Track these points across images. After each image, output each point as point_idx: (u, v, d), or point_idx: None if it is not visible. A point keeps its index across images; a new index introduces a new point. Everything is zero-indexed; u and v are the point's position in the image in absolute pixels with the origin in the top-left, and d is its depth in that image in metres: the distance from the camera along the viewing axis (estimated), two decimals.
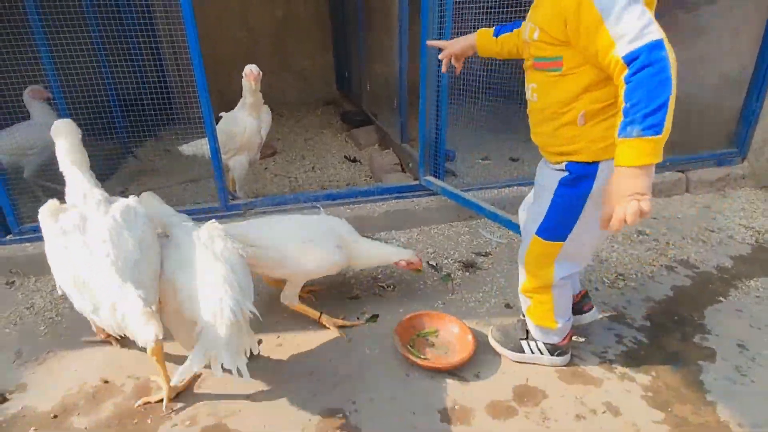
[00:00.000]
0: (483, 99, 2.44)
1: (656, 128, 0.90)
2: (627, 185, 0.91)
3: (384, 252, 1.61)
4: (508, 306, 1.68)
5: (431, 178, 2.24)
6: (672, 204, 2.50)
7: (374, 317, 1.62)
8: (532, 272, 1.29)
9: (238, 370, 1.13)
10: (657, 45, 0.88)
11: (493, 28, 1.35)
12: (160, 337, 1.05)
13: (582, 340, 1.51)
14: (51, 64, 2.47)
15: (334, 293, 1.76)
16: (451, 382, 1.35)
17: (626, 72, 0.90)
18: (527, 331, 1.40)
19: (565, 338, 1.36)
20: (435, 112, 2.19)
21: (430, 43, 1.59)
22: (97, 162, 2.76)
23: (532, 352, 1.39)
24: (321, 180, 2.99)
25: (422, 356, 1.41)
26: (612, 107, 1.04)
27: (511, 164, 3.14)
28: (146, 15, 2.86)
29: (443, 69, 1.48)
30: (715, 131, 2.78)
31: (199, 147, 2.33)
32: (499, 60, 1.77)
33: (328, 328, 1.55)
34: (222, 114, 2.34)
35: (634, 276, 1.85)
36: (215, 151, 2.02)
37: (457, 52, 1.42)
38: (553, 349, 1.37)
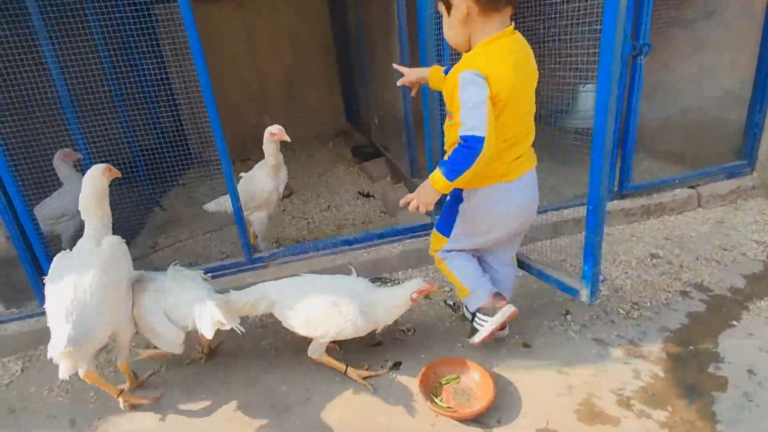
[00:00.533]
0: None
1: (451, 176, 1.34)
2: (425, 191, 1.41)
3: (399, 295, 1.60)
4: (526, 345, 1.74)
5: None
6: (685, 222, 2.53)
7: (397, 365, 1.70)
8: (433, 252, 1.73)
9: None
10: (479, 139, 1.28)
11: (444, 67, 1.62)
12: (68, 376, 1.40)
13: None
14: (77, 124, 2.64)
15: (357, 340, 1.85)
16: (475, 430, 1.41)
17: (459, 143, 1.32)
18: (472, 314, 1.67)
19: (488, 298, 1.59)
20: (441, 149, 2.28)
21: (395, 66, 1.79)
22: (126, 216, 2.98)
23: (481, 325, 1.61)
24: (337, 219, 3.11)
25: (446, 405, 1.48)
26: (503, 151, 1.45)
27: None
28: (161, 66, 3.06)
29: (411, 93, 1.77)
30: (722, 145, 2.80)
31: (222, 204, 2.46)
32: None
33: (355, 380, 1.64)
34: (242, 174, 2.47)
35: (649, 304, 1.89)
36: (238, 210, 2.15)
37: (413, 80, 1.72)
38: (489, 311, 1.58)
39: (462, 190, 1.51)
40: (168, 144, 2.69)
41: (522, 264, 1.85)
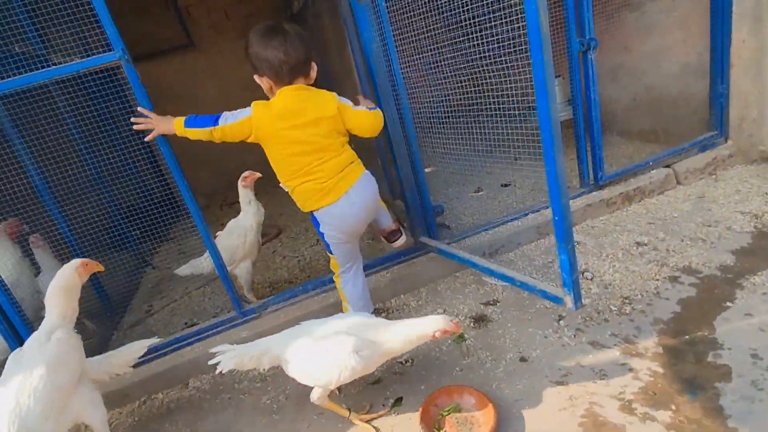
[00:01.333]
0: (460, 128, 2.56)
1: (187, 124, 1.82)
2: (164, 121, 1.87)
3: (417, 330, 1.53)
4: (523, 359, 1.73)
5: (426, 240, 2.33)
6: (666, 202, 2.53)
7: (398, 401, 1.69)
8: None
9: None
10: (215, 120, 1.78)
11: (185, 118, 1.83)
12: None
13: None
14: (54, 204, 2.58)
15: (357, 380, 1.83)
16: None
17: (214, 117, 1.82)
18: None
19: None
20: (412, 175, 2.30)
21: (140, 109, 1.88)
22: (120, 282, 2.98)
23: None
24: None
25: None
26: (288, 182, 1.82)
27: (504, 191, 3.22)
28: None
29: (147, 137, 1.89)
30: (692, 119, 2.82)
31: (197, 266, 2.45)
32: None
33: (358, 425, 1.63)
34: (219, 234, 2.47)
35: (640, 296, 1.88)
36: (220, 266, 2.16)
37: (161, 131, 1.86)
38: None
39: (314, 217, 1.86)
40: (152, 202, 2.68)
41: (505, 277, 1.84)
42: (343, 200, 1.78)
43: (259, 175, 2.50)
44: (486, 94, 2.26)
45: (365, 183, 1.84)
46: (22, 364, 1.41)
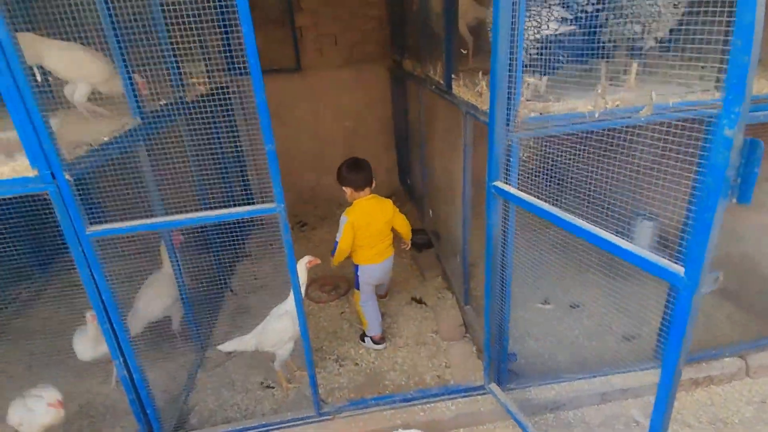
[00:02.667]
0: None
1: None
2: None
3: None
4: None
5: (494, 388, 2.52)
6: (731, 397, 2.60)
7: None
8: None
9: None
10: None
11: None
12: None
13: None
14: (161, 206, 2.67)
15: None
16: None
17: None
18: (363, 333, 3.23)
19: (378, 335, 3.17)
20: (500, 318, 2.45)
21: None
22: (202, 308, 3.30)
23: (364, 341, 3.21)
24: (390, 331, 3.34)
25: None
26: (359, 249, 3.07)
27: (572, 312, 3.32)
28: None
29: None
30: None
31: (246, 343, 2.69)
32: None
33: None
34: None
35: None
36: (310, 363, 2.42)
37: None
38: (374, 341, 3.18)
39: (357, 265, 3.12)
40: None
41: None
42: (380, 264, 3.12)
43: (319, 261, 2.84)
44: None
45: (391, 259, 3.21)
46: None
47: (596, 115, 1.89)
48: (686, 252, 1.21)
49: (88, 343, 2.50)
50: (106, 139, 2.10)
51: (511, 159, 1.94)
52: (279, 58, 5.01)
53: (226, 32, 4.76)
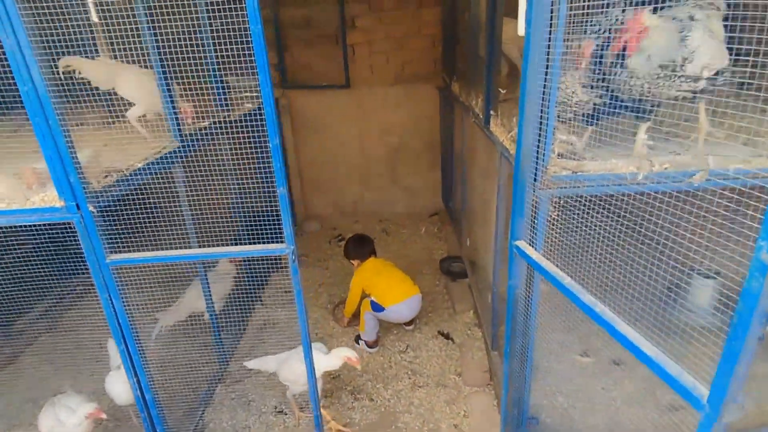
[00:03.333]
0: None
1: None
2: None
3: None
4: None
5: None
6: None
7: None
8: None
9: None
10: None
11: None
12: None
13: None
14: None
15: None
16: None
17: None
18: (357, 337, 3.51)
19: (371, 341, 3.42)
20: (519, 384, 2.27)
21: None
22: (233, 316, 3.37)
23: (359, 343, 3.45)
24: (412, 367, 3.22)
25: None
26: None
27: (613, 370, 3.01)
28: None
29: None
30: None
31: (263, 364, 2.75)
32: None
33: None
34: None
35: None
36: (315, 404, 2.38)
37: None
38: (368, 345, 3.43)
39: (383, 307, 3.32)
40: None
41: None
42: (404, 302, 3.34)
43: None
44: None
45: (417, 299, 3.40)
46: None
47: (639, 178, 1.68)
48: (714, 376, 1.01)
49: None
50: (139, 165, 2.18)
51: (537, 218, 1.77)
52: (329, 74, 5.05)
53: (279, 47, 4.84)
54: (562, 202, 1.81)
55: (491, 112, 2.61)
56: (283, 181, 1.81)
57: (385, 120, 5.23)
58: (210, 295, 2.97)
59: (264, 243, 1.95)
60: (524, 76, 1.59)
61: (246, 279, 3.74)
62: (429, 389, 3.04)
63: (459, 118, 4.09)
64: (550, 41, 1.55)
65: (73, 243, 1.94)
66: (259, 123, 1.77)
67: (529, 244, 1.83)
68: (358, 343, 3.49)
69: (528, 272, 1.88)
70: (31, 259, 2.64)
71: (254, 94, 3.93)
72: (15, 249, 2.78)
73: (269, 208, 2.06)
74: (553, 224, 1.76)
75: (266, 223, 2.03)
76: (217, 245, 2.15)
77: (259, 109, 2.84)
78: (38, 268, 2.64)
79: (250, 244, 2.02)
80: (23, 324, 3.47)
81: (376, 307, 3.32)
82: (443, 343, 3.46)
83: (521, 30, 1.62)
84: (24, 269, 2.71)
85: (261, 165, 2.11)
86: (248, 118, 2.94)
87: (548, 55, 1.57)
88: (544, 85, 1.61)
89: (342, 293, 4.12)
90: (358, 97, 5.13)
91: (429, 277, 4.30)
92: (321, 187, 5.55)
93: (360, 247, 3.57)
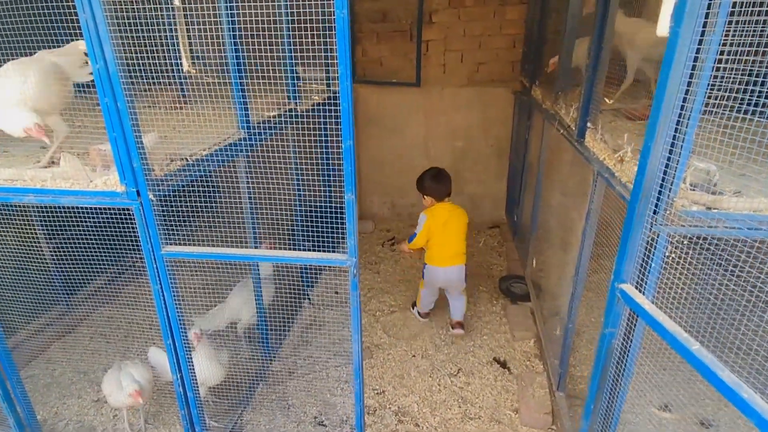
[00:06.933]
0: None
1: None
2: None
3: None
4: None
5: None
6: None
7: None
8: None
9: None
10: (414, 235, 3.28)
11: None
12: None
13: None
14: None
15: None
16: None
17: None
18: (414, 304, 3.67)
19: (424, 312, 3.59)
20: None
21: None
22: (280, 311, 3.23)
23: (413, 309, 3.67)
24: (463, 394, 2.96)
25: None
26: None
27: None
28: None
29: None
30: None
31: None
32: None
33: None
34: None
35: None
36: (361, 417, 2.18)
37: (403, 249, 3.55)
38: (420, 314, 3.62)
39: (425, 264, 3.36)
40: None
41: None
42: (444, 268, 3.30)
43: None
44: None
45: (458, 269, 3.29)
46: None
47: None
48: None
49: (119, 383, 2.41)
50: (204, 153, 2.08)
51: (652, 259, 1.46)
52: (400, 71, 4.85)
53: (351, 40, 4.68)
54: (686, 242, 1.48)
55: (588, 125, 2.29)
56: (352, 187, 1.61)
57: (453, 122, 4.95)
58: (258, 303, 2.83)
59: (325, 251, 1.78)
60: (662, 85, 1.29)
61: (291, 282, 3.64)
62: (481, 423, 2.76)
63: (538, 126, 3.74)
64: (701, 44, 1.24)
65: (132, 228, 1.85)
66: (329, 119, 1.58)
67: (636, 288, 1.52)
68: (413, 309, 3.69)
69: (630, 320, 1.57)
70: (92, 237, 2.64)
71: (323, 87, 3.82)
72: (78, 225, 2.81)
73: (333, 213, 1.88)
74: (673, 269, 1.44)
75: (329, 228, 1.85)
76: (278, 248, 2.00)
77: (331, 102, 2.67)
78: (99, 246, 2.64)
79: (308, 249, 1.85)
80: (83, 296, 3.56)
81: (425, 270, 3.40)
82: (499, 371, 3.16)
83: (662, 29, 1.31)
84: (86, 246, 2.73)
85: (328, 165, 1.96)
86: (317, 112, 2.79)
87: (696, 62, 1.26)
88: (685, 98, 1.30)
89: (392, 301, 3.92)
90: (428, 96, 4.88)
91: (486, 296, 3.99)
92: (379, 186, 5.37)
93: (439, 184, 3.25)
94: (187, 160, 1.96)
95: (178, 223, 1.90)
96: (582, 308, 2.55)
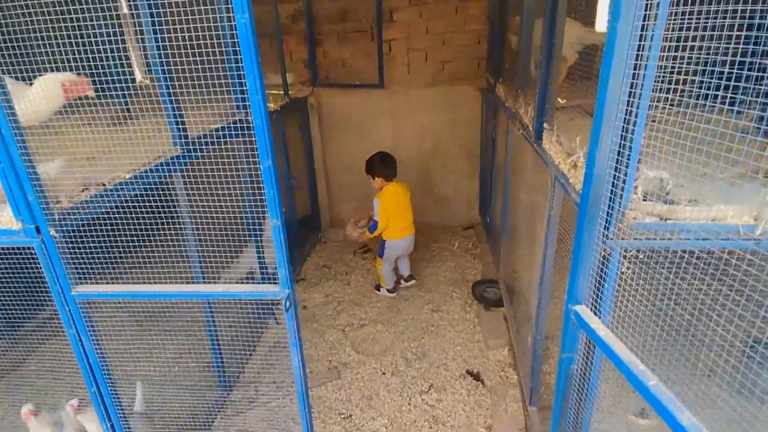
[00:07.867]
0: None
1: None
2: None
3: None
4: None
5: None
6: None
7: None
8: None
9: None
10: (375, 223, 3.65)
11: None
12: None
13: None
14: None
15: None
16: None
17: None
18: (378, 286, 3.95)
19: (390, 287, 3.88)
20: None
21: None
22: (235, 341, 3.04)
23: (379, 291, 3.93)
24: (434, 413, 2.81)
25: None
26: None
27: None
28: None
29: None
30: None
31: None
32: None
33: None
34: None
35: None
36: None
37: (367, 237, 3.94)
38: (388, 290, 3.88)
39: (385, 240, 3.72)
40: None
41: None
42: (403, 239, 3.74)
43: None
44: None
45: (412, 237, 3.81)
46: None
47: (757, 232, 1.20)
48: None
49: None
50: (128, 175, 1.88)
51: (605, 278, 1.32)
52: (362, 73, 4.68)
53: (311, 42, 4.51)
54: (641, 257, 1.34)
55: (544, 125, 2.15)
56: (277, 212, 1.44)
57: (420, 123, 4.80)
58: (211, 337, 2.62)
59: (256, 283, 1.60)
60: (602, 87, 1.14)
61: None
62: None
63: (503, 125, 3.61)
64: (642, 39, 1.10)
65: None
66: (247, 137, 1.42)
67: (592, 310, 1.38)
68: (379, 291, 3.91)
69: (588, 345, 1.43)
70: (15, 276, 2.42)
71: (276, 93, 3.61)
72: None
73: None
74: (630, 287, 1.30)
75: (261, 258, 1.68)
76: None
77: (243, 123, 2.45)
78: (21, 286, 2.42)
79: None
80: (28, 329, 3.32)
81: (381, 250, 3.76)
82: (472, 385, 3.02)
83: (600, 24, 1.17)
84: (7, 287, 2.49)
85: (252, 189, 1.80)
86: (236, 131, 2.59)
87: (639, 60, 1.12)
88: (629, 101, 1.16)
89: (362, 314, 3.75)
90: (394, 97, 4.72)
91: (459, 302, 3.85)
92: (349, 192, 5.20)
93: (387, 167, 3.56)
94: (105, 185, 1.77)
95: (96, 259, 1.71)
96: (552, 316, 2.41)
